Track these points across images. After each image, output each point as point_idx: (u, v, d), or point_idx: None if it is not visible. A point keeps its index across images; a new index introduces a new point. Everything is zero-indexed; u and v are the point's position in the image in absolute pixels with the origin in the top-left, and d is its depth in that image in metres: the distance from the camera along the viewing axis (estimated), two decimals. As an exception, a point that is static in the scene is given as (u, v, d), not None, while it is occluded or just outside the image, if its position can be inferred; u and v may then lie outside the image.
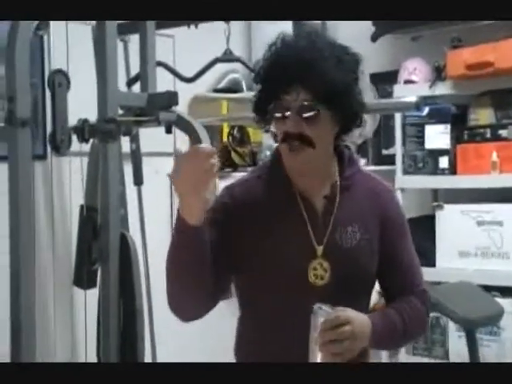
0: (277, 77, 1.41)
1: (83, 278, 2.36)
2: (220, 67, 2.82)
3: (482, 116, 3.06)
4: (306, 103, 1.41)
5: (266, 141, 3.04)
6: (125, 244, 2.30)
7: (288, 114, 1.41)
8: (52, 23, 2.25)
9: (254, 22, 3.21)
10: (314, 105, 1.41)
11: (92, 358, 2.33)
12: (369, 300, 1.59)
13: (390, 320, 1.49)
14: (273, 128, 1.47)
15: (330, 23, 2.58)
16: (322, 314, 1.37)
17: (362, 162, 3.36)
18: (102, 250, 2.26)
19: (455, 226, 3.10)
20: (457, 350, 2.97)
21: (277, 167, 1.51)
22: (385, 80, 3.37)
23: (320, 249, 1.47)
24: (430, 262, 3.09)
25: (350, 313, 1.39)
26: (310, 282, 1.47)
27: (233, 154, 3.08)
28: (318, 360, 1.35)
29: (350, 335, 1.37)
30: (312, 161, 1.45)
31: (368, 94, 3.34)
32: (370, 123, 3.40)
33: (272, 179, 1.51)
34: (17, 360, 1.95)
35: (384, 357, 3.21)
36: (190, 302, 1.44)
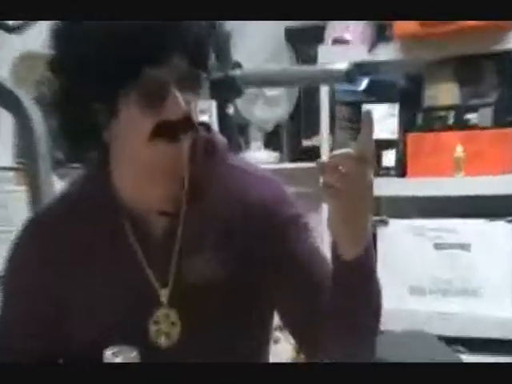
0: (137, 45, 1.21)
1: None
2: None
3: (442, 93, 2.63)
4: (190, 72, 1.26)
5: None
6: None
7: (170, 90, 1.23)
8: None
9: None
10: (199, 73, 1.29)
11: None
12: (262, 351, 1.42)
13: None
14: (126, 127, 1.26)
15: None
16: None
17: (273, 156, 2.89)
18: None
19: (404, 251, 2.66)
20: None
21: (98, 183, 1.35)
22: (306, 39, 2.95)
23: (165, 292, 1.29)
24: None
25: None
26: (152, 342, 1.30)
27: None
28: None
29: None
30: (185, 150, 1.31)
31: (282, 57, 2.95)
32: (284, 100, 2.94)
33: (90, 200, 1.35)
34: None
35: None
36: None
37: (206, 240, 1.31)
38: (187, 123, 1.25)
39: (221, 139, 1.37)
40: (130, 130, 1.26)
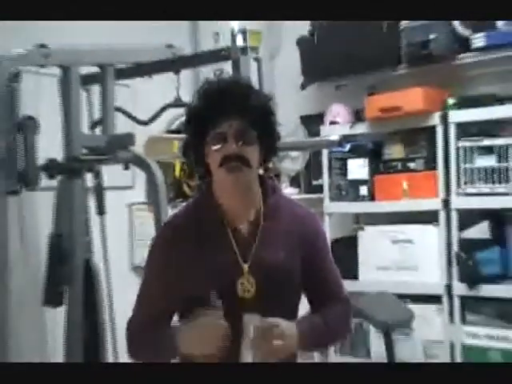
0: (213, 110, 1.49)
1: (51, 298, 2.57)
2: (172, 111, 2.95)
3: (394, 151, 3.27)
4: (243, 128, 1.52)
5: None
6: (89, 267, 2.58)
7: (228, 138, 1.50)
8: (24, 75, 2.40)
9: (201, 73, 3.34)
10: (249, 129, 1.53)
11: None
12: (296, 311, 1.67)
13: (315, 324, 1.58)
14: (210, 158, 1.53)
15: (265, 75, 2.66)
16: (251, 320, 1.45)
17: (295, 191, 3.55)
18: (68, 273, 2.49)
19: (374, 244, 3.28)
20: (377, 349, 3.24)
21: (207, 198, 1.60)
22: (313, 121, 3.53)
23: (246, 266, 1.54)
24: (353, 275, 3.27)
25: (277, 319, 1.49)
26: (239, 295, 1.56)
27: (184, 186, 3.20)
28: (250, 361, 1.42)
29: (279, 336, 1.47)
30: (248, 180, 1.53)
31: (299, 133, 3.58)
32: (301, 158, 3.55)
33: (202, 209, 1.60)
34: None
35: (316, 356, 3.46)
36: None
37: (274, 239, 1.57)
38: (241, 159, 1.48)
39: (278, 185, 1.64)
40: (212, 161, 1.53)
